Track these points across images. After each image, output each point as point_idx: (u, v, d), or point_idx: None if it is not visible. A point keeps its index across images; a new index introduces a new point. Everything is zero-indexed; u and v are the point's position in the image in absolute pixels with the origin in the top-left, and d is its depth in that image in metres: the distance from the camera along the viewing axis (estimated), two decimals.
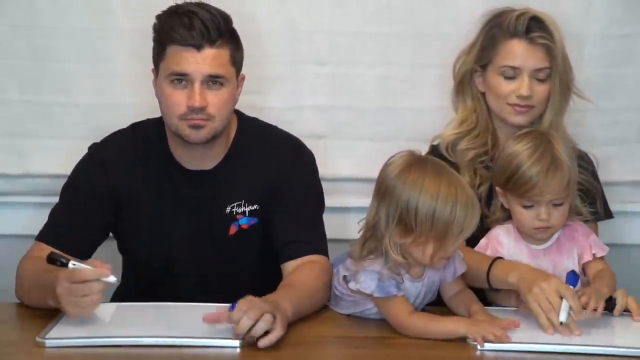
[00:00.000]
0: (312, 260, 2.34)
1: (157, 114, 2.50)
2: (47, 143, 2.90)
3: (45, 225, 2.42)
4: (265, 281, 2.32)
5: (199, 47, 2.27)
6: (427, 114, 2.92)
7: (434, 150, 2.56)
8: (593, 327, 2.13)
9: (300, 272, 2.31)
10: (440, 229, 2.07)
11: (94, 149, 2.45)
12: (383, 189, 2.13)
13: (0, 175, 2.93)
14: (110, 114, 2.86)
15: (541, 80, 2.47)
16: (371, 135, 2.92)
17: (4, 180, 2.92)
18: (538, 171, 2.24)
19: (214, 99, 2.30)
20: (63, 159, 2.84)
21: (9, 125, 2.89)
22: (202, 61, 2.27)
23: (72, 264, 2.09)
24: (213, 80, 2.29)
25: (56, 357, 1.97)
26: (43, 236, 2.40)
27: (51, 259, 2.12)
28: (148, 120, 2.49)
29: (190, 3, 2.34)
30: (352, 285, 2.19)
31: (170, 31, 2.29)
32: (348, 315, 2.26)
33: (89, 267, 2.09)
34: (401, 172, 2.12)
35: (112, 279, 2.08)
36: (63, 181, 2.46)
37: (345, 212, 2.79)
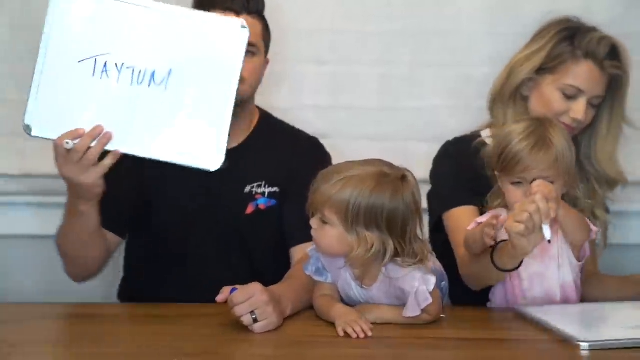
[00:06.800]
0: None
1: None
2: (47, 143, 2.89)
3: None
4: (279, 264, 2.39)
5: (237, 13, 2.36)
6: (428, 113, 2.92)
7: (459, 142, 2.53)
8: None
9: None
10: None
11: None
12: None
13: (0, 175, 2.93)
14: None
15: (593, 106, 2.45)
16: (372, 135, 2.92)
17: (4, 180, 2.92)
18: (524, 147, 2.23)
19: (247, 65, 2.31)
20: None
21: (9, 125, 2.89)
22: None
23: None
24: (248, 46, 2.28)
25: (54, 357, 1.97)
26: None
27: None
28: None
29: None
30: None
31: None
32: None
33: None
34: None
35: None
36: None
37: None
